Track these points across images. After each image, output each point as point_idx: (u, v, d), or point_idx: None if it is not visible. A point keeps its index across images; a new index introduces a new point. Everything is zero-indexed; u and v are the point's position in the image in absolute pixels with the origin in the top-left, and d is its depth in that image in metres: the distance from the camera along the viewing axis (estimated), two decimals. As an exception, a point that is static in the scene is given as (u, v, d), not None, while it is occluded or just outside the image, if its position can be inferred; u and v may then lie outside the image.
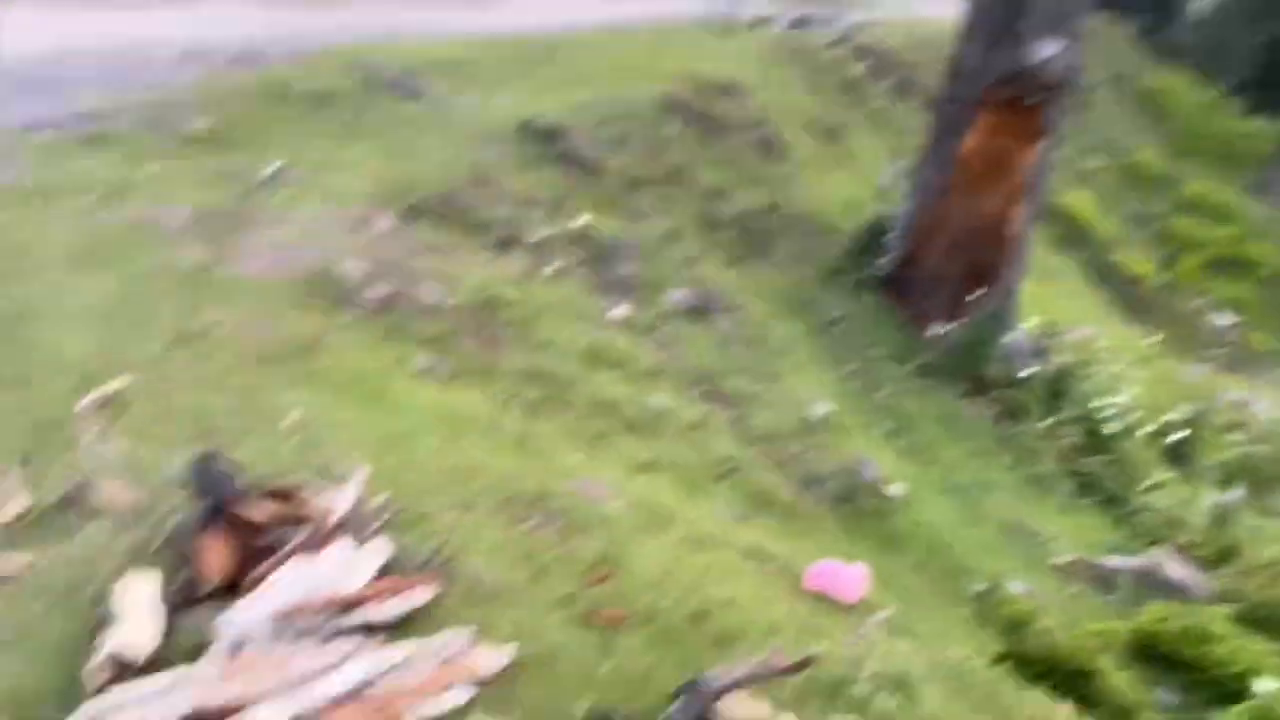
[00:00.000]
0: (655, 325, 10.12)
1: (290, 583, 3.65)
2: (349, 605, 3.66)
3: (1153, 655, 6.89)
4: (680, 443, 7.80)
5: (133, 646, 3.31)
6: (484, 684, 3.53)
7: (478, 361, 7.45)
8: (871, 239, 13.63)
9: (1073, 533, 9.85)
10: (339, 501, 4.00)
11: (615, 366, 8.71)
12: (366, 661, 3.43)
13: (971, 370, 12.89)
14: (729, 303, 11.46)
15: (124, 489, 4.22)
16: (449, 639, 3.59)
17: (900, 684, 4.19)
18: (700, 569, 4.71)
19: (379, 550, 3.93)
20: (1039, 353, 13.37)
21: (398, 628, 3.70)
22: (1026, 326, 13.77)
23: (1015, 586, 7.37)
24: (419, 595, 3.76)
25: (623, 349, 9.05)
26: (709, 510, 6.54)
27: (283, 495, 4.00)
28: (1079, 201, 22.81)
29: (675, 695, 3.41)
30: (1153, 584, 8.51)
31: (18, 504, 4.09)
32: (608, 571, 4.40)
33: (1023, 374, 12.80)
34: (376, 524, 4.16)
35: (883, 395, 12.10)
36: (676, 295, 10.84)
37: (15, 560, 3.83)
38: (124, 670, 3.26)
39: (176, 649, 3.50)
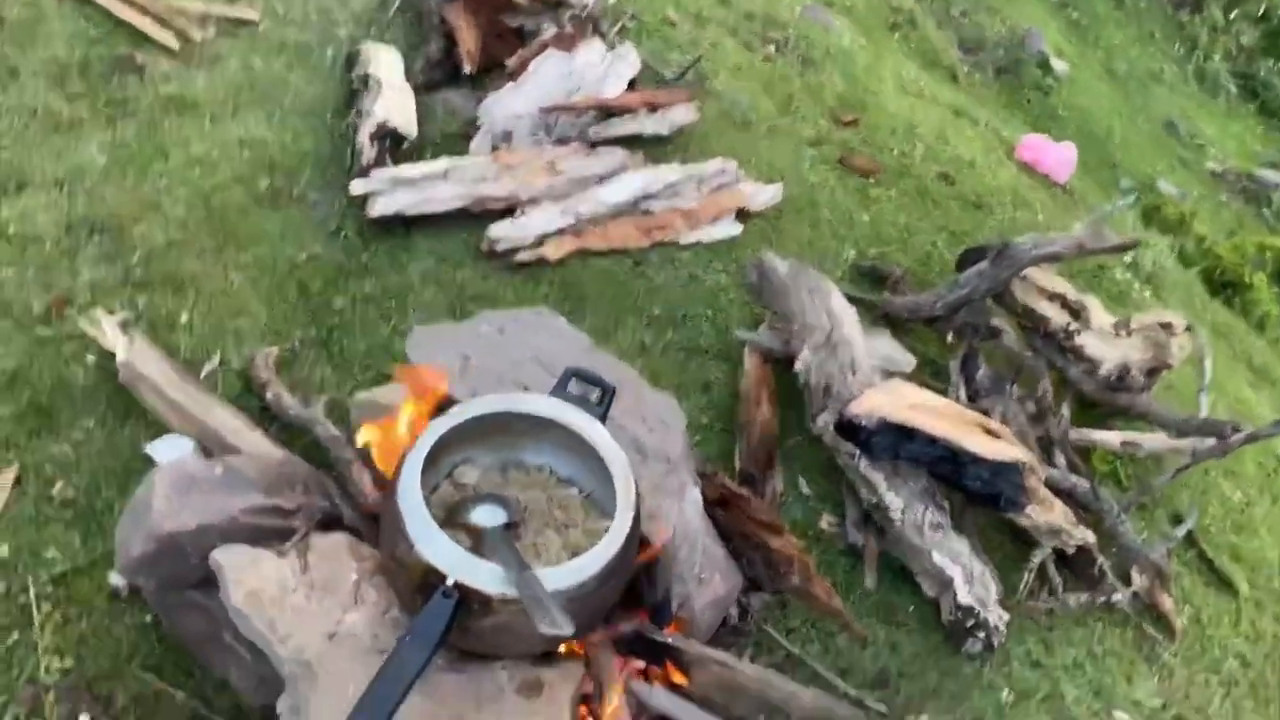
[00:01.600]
0: None
1: (549, 77, 3.26)
2: (610, 113, 3.31)
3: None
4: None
5: (401, 121, 3.00)
6: (753, 217, 3.27)
7: None
8: None
9: (1232, 139, 9.27)
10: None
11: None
12: (639, 177, 3.14)
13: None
14: None
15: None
16: (719, 166, 3.27)
17: (1149, 277, 3.95)
18: (935, 126, 4.29)
19: (630, 60, 3.50)
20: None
21: (661, 146, 3.37)
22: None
23: (1167, 187, 6.97)
24: (684, 113, 3.39)
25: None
26: (900, 60, 5.98)
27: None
28: None
29: (966, 259, 3.16)
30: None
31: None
32: (855, 116, 3.99)
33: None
34: (618, 26, 3.68)
35: (1060, -42, 10.87)
36: None
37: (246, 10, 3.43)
38: (393, 144, 2.98)
39: (429, 132, 3.20)
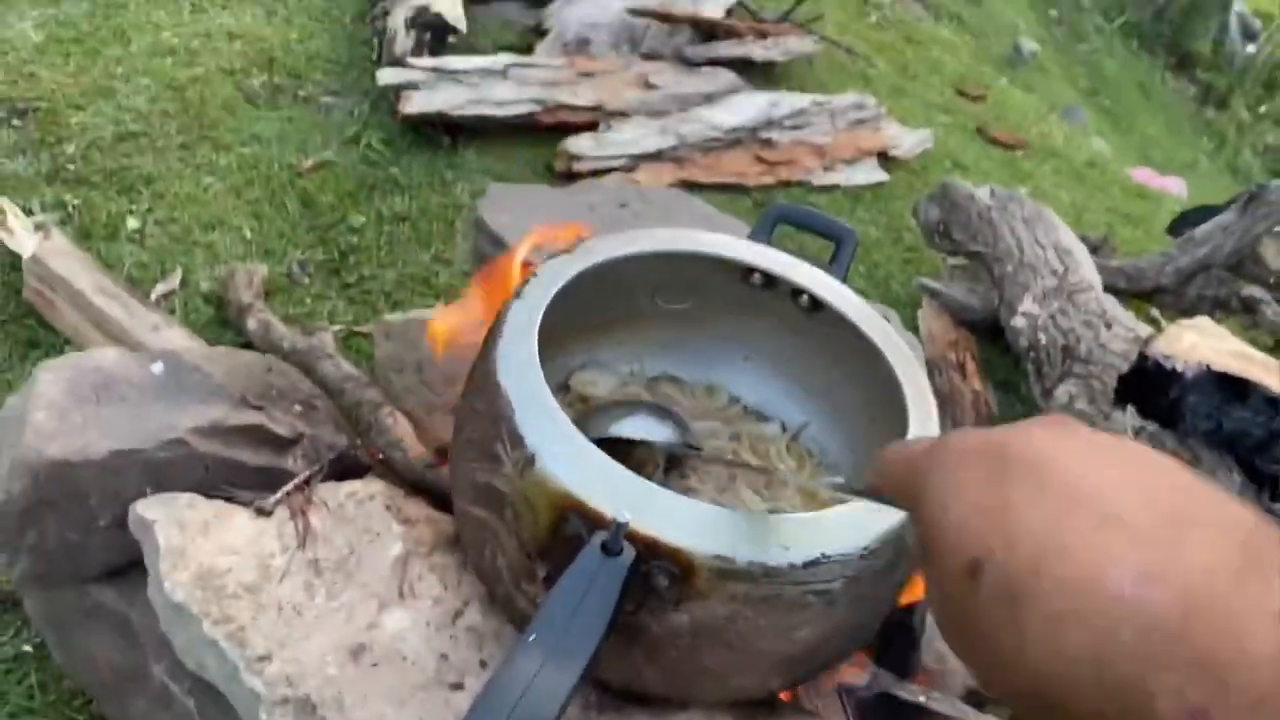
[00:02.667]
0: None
1: (635, -13, 2.53)
2: (712, 34, 2.56)
3: None
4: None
5: (446, 7, 2.23)
6: (898, 166, 2.50)
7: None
8: None
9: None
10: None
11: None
12: (758, 99, 2.37)
13: (1181, 41, 11.29)
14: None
15: None
16: (855, 99, 2.52)
17: None
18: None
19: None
20: (1252, 36, 11.71)
21: (772, 78, 2.63)
22: (1247, 6, 11.98)
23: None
24: (799, 44, 2.65)
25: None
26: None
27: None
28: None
29: (1184, 221, 2.40)
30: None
31: None
32: (981, 91, 3.28)
33: (1233, 57, 11.24)
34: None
35: (1085, 49, 10.64)
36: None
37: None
38: (434, 41, 2.21)
39: (480, 44, 2.44)
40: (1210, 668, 0.26)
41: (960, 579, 0.32)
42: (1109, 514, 0.29)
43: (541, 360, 0.86)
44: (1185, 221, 2.38)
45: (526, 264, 1.09)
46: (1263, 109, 11.51)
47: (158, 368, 1.09)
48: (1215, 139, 11.35)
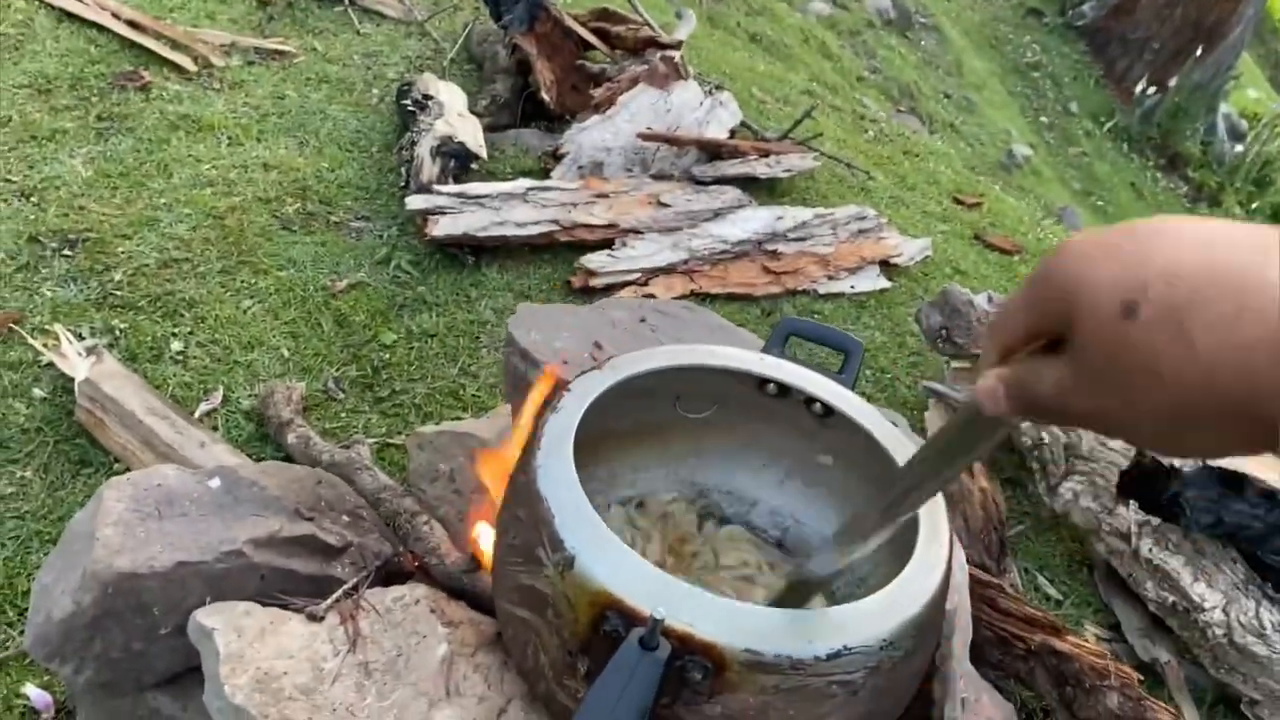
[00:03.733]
0: (858, 30, 8.88)
1: (643, 111, 2.68)
2: (717, 154, 2.71)
3: None
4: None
5: (469, 138, 2.38)
6: (899, 273, 2.61)
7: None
8: (1080, -20, 11.96)
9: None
10: (680, 31, 2.98)
11: (826, 58, 7.56)
12: (762, 213, 2.50)
13: (1170, 144, 11.59)
14: (927, 22, 10.14)
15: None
16: (856, 211, 2.64)
17: None
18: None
19: (731, 108, 2.94)
20: (1239, 136, 12.00)
21: (775, 193, 2.76)
22: (1233, 107, 12.32)
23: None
24: (800, 161, 2.79)
25: (831, 46, 7.86)
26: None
27: (611, 17, 2.98)
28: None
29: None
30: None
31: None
32: (978, 199, 3.42)
33: (1223, 156, 11.52)
34: (709, 88, 3.15)
35: (1075, 152, 10.96)
36: (876, 1, 9.49)
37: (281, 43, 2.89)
38: (458, 167, 2.35)
39: (499, 169, 2.58)
40: None
41: (1112, 324, 0.39)
42: (1237, 240, 0.38)
43: (576, 468, 0.94)
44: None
45: (560, 379, 1.17)
46: (1255, 205, 11.76)
47: (215, 483, 1.17)
48: (1209, 236, 11.54)
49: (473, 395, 1.88)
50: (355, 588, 1.11)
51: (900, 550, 0.95)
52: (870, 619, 0.88)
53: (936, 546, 0.96)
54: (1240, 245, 0.38)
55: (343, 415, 1.80)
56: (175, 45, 2.70)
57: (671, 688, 0.83)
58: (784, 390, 1.12)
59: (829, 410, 1.10)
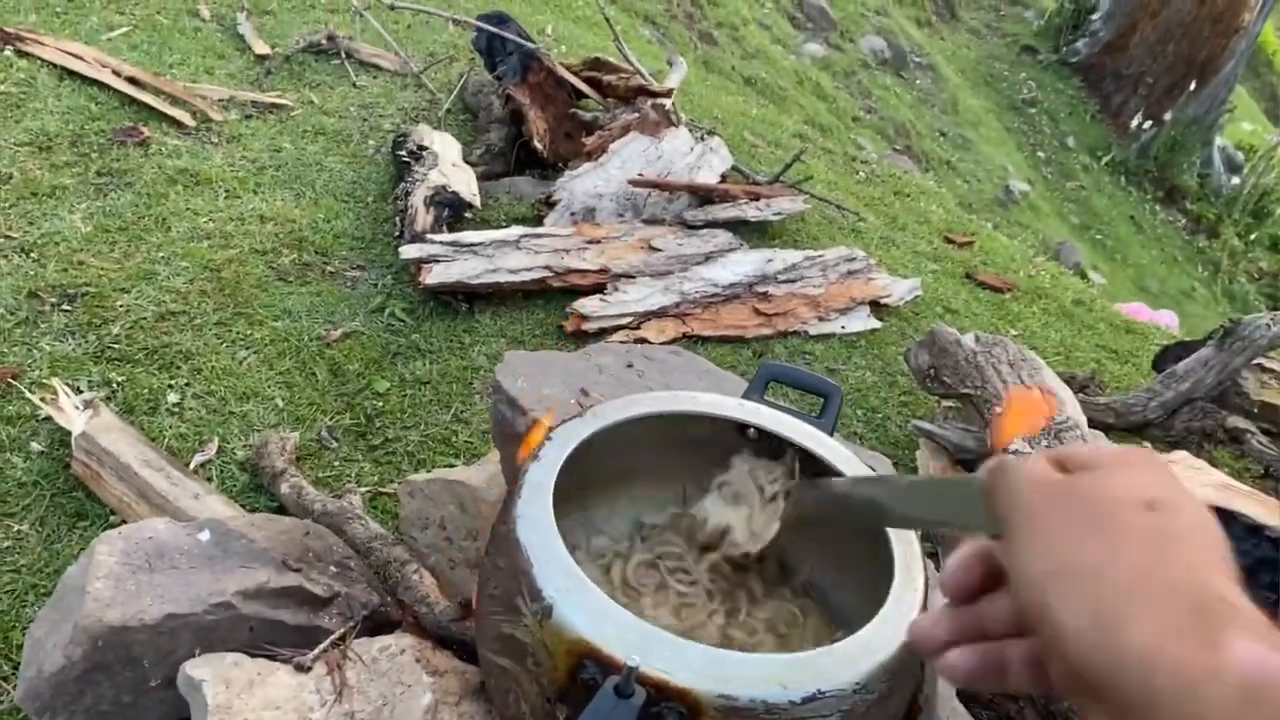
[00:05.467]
0: (853, 71, 8.99)
1: (634, 158, 2.72)
2: (708, 199, 2.75)
3: None
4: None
5: (462, 187, 2.42)
6: (889, 314, 2.64)
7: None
8: (1073, 18, 12.12)
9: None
10: (671, 79, 3.03)
11: (821, 99, 7.65)
12: (753, 256, 2.53)
13: (1167, 176, 11.67)
14: (922, 61, 10.26)
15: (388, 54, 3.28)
16: (845, 253, 2.67)
17: None
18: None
19: (722, 153, 2.98)
20: (1236, 168, 12.09)
21: (767, 236, 2.80)
22: (1228, 140, 12.40)
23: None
24: (790, 204, 2.83)
25: (826, 88, 7.97)
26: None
27: (603, 66, 3.04)
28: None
29: (1165, 356, 2.51)
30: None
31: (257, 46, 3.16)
32: (969, 238, 3.45)
33: (1220, 188, 11.60)
34: (700, 134, 3.20)
35: (1073, 186, 11.03)
36: (870, 42, 9.62)
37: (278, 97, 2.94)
38: (452, 216, 2.38)
39: (492, 216, 2.62)
40: None
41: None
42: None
43: (557, 516, 0.96)
44: (1168, 356, 2.49)
45: (543, 427, 1.19)
46: (1253, 236, 11.77)
47: (204, 535, 1.19)
48: (1209, 267, 11.59)
49: (465, 441, 1.90)
50: (342, 638, 1.12)
51: (876, 595, 0.96)
52: (843, 663, 0.89)
53: (911, 591, 0.97)
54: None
55: (336, 464, 1.82)
56: (174, 101, 2.76)
57: (645, 740, 0.84)
58: (764, 435, 1.14)
59: (808, 455, 1.12)
